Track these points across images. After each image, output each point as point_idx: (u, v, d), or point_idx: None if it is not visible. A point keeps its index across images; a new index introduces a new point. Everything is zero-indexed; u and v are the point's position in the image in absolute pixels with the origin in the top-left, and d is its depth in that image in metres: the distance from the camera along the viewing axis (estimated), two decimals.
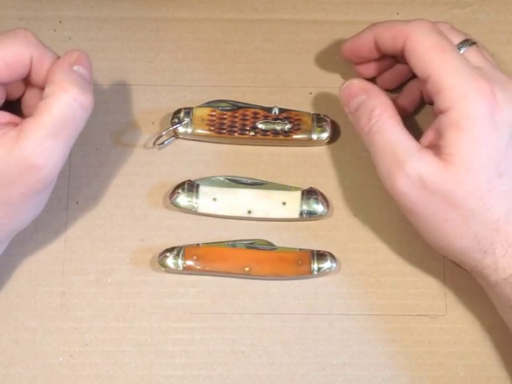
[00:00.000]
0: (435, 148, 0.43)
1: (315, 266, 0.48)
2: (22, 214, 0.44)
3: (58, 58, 0.44)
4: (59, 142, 0.42)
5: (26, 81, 0.45)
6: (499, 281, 0.43)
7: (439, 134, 0.43)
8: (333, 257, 0.48)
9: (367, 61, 0.49)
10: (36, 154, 0.41)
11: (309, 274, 0.48)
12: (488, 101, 0.42)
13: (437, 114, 0.43)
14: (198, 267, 0.48)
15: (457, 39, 0.45)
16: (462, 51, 0.44)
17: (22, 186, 0.42)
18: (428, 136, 0.44)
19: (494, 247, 0.43)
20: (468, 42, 0.45)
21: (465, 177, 0.42)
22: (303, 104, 0.51)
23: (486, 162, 0.42)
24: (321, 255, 0.48)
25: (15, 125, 0.42)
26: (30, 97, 0.46)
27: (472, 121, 0.42)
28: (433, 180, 0.42)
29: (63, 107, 0.41)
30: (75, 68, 0.43)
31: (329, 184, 0.50)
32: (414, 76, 0.47)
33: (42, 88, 0.43)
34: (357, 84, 0.46)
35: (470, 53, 0.44)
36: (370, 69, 0.49)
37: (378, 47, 0.46)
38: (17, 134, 0.41)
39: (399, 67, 0.49)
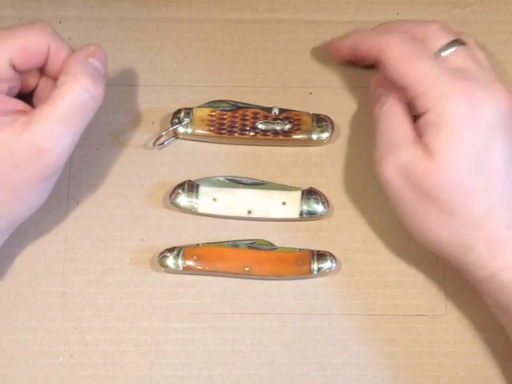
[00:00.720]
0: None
1: (315, 266, 0.48)
2: (25, 201, 0.44)
3: (74, 51, 0.45)
4: (68, 129, 0.43)
5: (41, 72, 0.46)
6: (482, 280, 0.43)
7: (421, 134, 0.44)
8: (333, 257, 0.48)
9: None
10: (45, 138, 0.42)
11: (309, 273, 0.48)
12: (465, 100, 0.42)
13: (418, 117, 0.44)
14: (198, 267, 0.48)
15: (444, 40, 0.45)
16: (448, 52, 0.44)
17: (29, 170, 0.43)
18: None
19: (474, 244, 0.43)
20: (457, 43, 0.45)
21: (445, 173, 0.42)
22: (303, 104, 0.51)
23: (466, 159, 0.42)
24: (321, 255, 0.48)
25: (26, 113, 0.43)
26: (42, 88, 0.47)
27: (449, 119, 0.42)
28: (414, 172, 0.43)
29: (74, 96, 0.43)
30: (90, 60, 0.44)
31: (329, 184, 0.50)
32: None
33: (56, 79, 0.44)
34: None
35: (457, 53, 0.45)
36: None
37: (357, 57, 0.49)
38: (28, 120, 0.42)
39: None
